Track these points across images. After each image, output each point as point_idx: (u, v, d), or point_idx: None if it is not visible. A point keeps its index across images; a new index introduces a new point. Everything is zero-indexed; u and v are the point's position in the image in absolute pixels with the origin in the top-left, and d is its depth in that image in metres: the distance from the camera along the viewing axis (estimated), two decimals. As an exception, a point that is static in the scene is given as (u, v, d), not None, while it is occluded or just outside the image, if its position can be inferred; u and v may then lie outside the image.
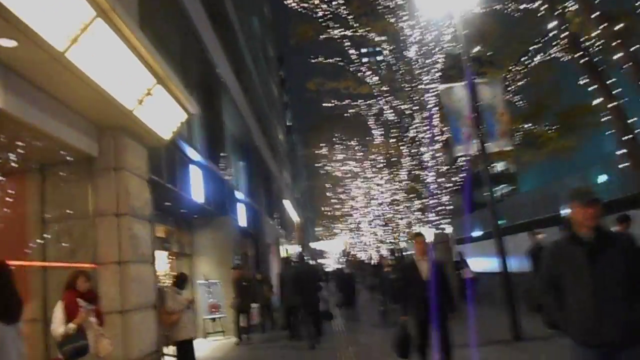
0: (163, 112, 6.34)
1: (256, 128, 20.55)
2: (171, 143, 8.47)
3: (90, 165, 5.91)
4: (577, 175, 26.52)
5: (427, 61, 11.10)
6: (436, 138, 11.18)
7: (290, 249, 33.49)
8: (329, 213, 37.78)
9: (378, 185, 19.59)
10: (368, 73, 11.89)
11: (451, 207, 11.08)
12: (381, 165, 18.98)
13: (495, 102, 7.72)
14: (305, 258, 41.37)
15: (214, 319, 11.05)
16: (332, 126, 24.61)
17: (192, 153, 9.88)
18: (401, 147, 13.44)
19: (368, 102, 13.55)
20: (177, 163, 8.92)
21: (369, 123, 17.58)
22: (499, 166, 61.78)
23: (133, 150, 6.31)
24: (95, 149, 5.89)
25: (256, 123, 21.67)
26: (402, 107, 11.92)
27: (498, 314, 11.04)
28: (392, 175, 18.28)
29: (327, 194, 33.39)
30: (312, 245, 64.34)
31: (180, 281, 6.95)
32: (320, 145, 25.45)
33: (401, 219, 19.75)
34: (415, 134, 11.58)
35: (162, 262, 10.68)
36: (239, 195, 14.62)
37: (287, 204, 36.28)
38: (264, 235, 19.18)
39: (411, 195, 18.98)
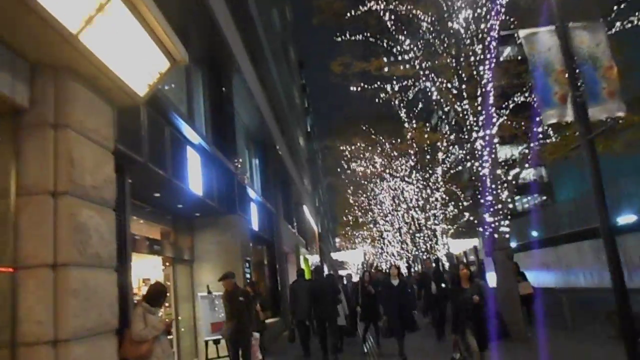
0: (131, 49, 4.38)
1: (274, 126, 18.63)
2: (162, 116, 6.52)
3: (14, 120, 3.96)
4: (624, 181, 23.85)
5: (481, 27, 9.03)
6: (493, 120, 9.04)
7: (310, 259, 31.36)
8: (350, 221, 35.62)
9: (408, 184, 17.38)
10: (407, 43, 9.79)
11: (510, 205, 8.87)
12: (413, 163, 16.86)
13: (598, 51, 5.58)
14: (325, 269, 39.15)
15: (217, 341, 8.97)
16: (357, 129, 22.61)
17: (190, 134, 7.92)
18: (444, 135, 11.36)
19: (404, 83, 11.43)
20: (168, 142, 6.96)
21: (401, 114, 15.52)
22: (530, 175, 59.01)
23: (87, 104, 4.35)
24: (24, 96, 3.94)
25: (274, 121, 19.79)
26: (448, 85, 9.78)
27: (578, 341, 8.76)
28: (425, 174, 16.16)
29: (350, 200, 31.29)
30: (333, 255, 62.01)
31: (154, 296, 4.87)
32: (342, 147, 23.49)
33: (437, 224, 17.53)
34: (465, 115, 9.43)
35: (154, 270, 8.72)
36: (252, 193, 12.63)
37: (307, 212, 34.23)
38: (281, 241, 17.13)
39: (446, 200, 16.79)
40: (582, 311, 11.74)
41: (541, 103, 5.59)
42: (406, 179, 17.12)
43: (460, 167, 16.57)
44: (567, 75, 5.45)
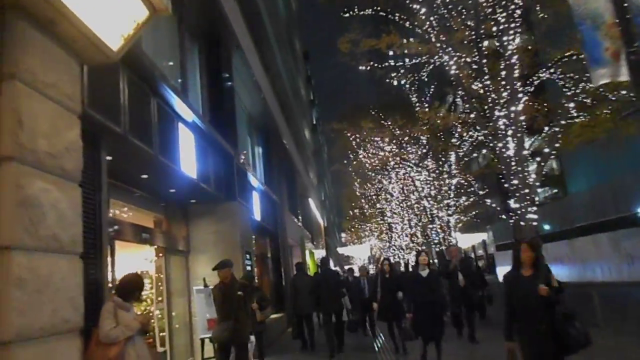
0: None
1: (279, 114, 17.82)
2: (148, 84, 5.72)
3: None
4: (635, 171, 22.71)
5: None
6: (519, 96, 8.17)
7: (315, 253, 30.59)
8: (357, 214, 34.79)
9: (419, 171, 16.48)
10: (421, 13, 8.87)
11: (540, 189, 8.02)
12: (425, 150, 15.97)
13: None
14: (331, 263, 38.41)
15: (214, 339, 8.20)
16: (365, 115, 21.72)
17: (182, 109, 7.12)
18: (462, 115, 10.52)
19: (418, 59, 10.51)
20: (154, 114, 6.15)
21: (412, 97, 14.64)
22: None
23: (44, 53, 3.54)
24: (-42, 37, 3.15)
25: (279, 109, 18.98)
26: (467, 59, 8.91)
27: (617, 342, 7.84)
28: (438, 161, 15.29)
29: (357, 192, 30.46)
30: (339, 250, 61.24)
31: (127, 288, 4.07)
32: (349, 134, 22.58)
33: (450, 215, 16.65)
34: (486, 92, 8.56)
35: (145, 262, 7.95)
36: (254, 181, 11.83)
37: (313, 205, 33.43)
38: (286, 234, 16.34)
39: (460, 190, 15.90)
40: (607, 306, 10.86)
41: (590, 61, 4.73)
42: (418, 166, 16.21)
43: (475, 154, 15.67)
44: (619, 29, 4.60)
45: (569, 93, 7.95)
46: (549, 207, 40.10)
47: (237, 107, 11.41)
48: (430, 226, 16.02)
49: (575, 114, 8.92)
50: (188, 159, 7.26)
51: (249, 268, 9.18)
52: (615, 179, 23.93)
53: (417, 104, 14.70)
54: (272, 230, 14.72)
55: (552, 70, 9.25)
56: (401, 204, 22.19)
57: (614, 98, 8.45)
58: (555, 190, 55.40)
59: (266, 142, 16.39)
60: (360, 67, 11.58)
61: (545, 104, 9.88)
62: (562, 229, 29.84)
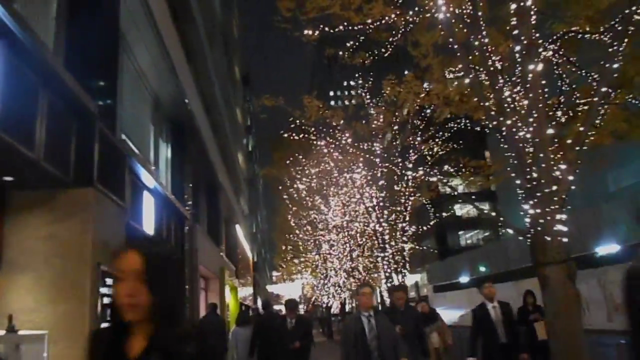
0: None
1: (201, 112, 14.43)
2: None
3: None
4: (606, 206, 21.13)
5: None
6: (539, 50, 5.48)
7: (241, 291, 26.56)
8: (290, 248, 31.33)
9: (369, 183, 13.51)
10: None
11: (572, 186, 5.21)
12: (380, 148, 13.08)
13: None
14: (259, 303, 34.33)
15: None
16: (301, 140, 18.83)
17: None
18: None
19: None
20: None
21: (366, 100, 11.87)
22: (471, 211, 57.46)
23: None
24: None
25: (202, 108, 15.64)
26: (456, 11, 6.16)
27: None
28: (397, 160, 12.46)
29: (291, 222, 27.13)
30: (269, 288, 56.95)
31: None
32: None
33: (405, 242, 13.72)
34: (485, 51, 5.79)
35: None
36: (147, 178, 8.25)
37: (241, 235, 29.59)
38: (196, 260, 12.64)
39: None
40: None
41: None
42: (369, 174, 13.24)
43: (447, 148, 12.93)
44: None
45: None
46: (484, 249, 38.83)
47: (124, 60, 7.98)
48: (382, 255, 13.04)
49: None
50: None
51: (104, 300, 5.55)
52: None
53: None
54: (171, 250, 11.03)
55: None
56: (344, 228, 19.06)
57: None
58: (487, 233, 55.05)
59: (179, 141, 12.87)
60: (305, 32, 8.55)
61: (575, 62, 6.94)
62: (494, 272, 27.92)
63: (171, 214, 10.78)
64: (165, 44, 9.90)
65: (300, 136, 14.30)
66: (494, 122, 5.74)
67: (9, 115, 4.19)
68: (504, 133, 5.70)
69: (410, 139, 13.03)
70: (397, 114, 11.78)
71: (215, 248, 17.64)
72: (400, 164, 12.85)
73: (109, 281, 5.65)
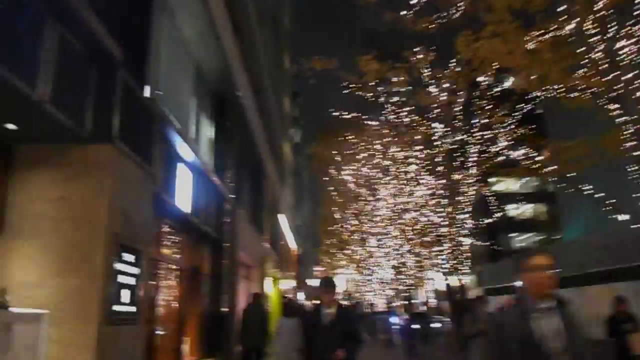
0: None
1: (244, 81, 13.61)
2: None
3: None
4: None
5: None
6: None
7: (283, 283, 25.84)
8: (334, 241, 30.34)
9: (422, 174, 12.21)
10: None
11: None
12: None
13: None
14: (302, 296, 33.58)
15: None
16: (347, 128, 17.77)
17: None
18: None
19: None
20: None
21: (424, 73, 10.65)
22: (527, 212, 54.35)
23: None
24: None
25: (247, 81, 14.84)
26: None
27: None
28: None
29: (336, 214, 26.13)
30: (310, 282, 56.23)
31: None
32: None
33: (467, 234, 12.35)
34: None
35: None
36: (184, 149, 7.43)
37: (285, 225, 28.85)
38: (237, 245, 11.83)
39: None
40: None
41: None
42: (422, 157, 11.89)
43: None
44: None
45: None
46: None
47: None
48: (438, 249, 11.73)
49: None
50: None
51: (131, 279, 4.70)
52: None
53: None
54: (214, 236, 10.25)
55: None
56: (393, 222, 17.77)
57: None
58: (543, 237, 51.73)
59: (223, 119, 12.09)
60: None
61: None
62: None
63: (211, 194, 10.00)
64: (211, 9, 9.09)
65: (351, 116, 13.28)
66: (604, 80, 4.45)
67: (16, 54, 3.38)
68: (616, 93, 4.41)
69: (479, 110, 11.69)
70: (471, 77, 10.43)
71: (258, 235, 16.89)
72: (466, 135, 11.54)
73: (126, 257, 4.81)
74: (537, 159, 11.06)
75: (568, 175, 9.90)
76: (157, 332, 6.78)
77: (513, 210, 51.68)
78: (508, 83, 16.68)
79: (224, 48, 10.32)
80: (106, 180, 4.54)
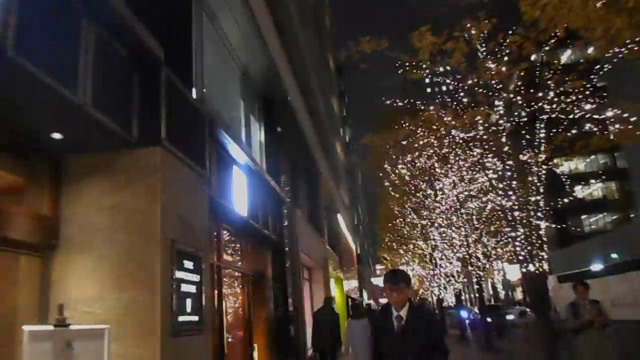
0: None
1: (291, 80, 13.35)
2: None
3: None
4: None
5: None
6: None
7: (346, 284, 25.46)
8: (394, 237, 29.59)
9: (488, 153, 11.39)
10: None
11: None
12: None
13: None
14: (365, 296, 33.02)
15: None
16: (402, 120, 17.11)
17: None
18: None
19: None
20: None
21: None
22: (599, 191, 50.98)
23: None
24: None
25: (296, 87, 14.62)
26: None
27: None
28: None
29: (395, 209, 25.42)
30: (373, 281, 55.55)
31: None
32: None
33: (540, 218, 11.45)
34: None
35: None
36: (236, 150, 7.19)
37: (343, 224, 28.46)
38: (298, 248, 11.55)
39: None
40: None
41: None
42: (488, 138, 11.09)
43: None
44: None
45: None
46: (615, 233, 33.79)
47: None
48: (514, 235, 10.92)
49: None
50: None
51: (192, 287, 4.46)
52: None
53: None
54: (274, 239, 9.99)
55: None
56: (456, 211, 16.92)
57: None
58: (616, 216, 48.16)
59: (272, 121, 11.87)
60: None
61: None
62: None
63: (267, 196, 9.76)
64: (252, 9, 8.86)
65: (405, 102, 12.71)
66: None
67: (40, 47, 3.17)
68: None
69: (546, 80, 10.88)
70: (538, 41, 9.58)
71: (318, 236, 16.59)
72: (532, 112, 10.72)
73: (186, 264, 4.56)
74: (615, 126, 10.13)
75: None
76: (225, 340, 6.55)
77: (581, 191, 48.77)
78: (571, 56, 15.51)
79: (268, 49, 10.10)
80: (156, 185, 4.30)
